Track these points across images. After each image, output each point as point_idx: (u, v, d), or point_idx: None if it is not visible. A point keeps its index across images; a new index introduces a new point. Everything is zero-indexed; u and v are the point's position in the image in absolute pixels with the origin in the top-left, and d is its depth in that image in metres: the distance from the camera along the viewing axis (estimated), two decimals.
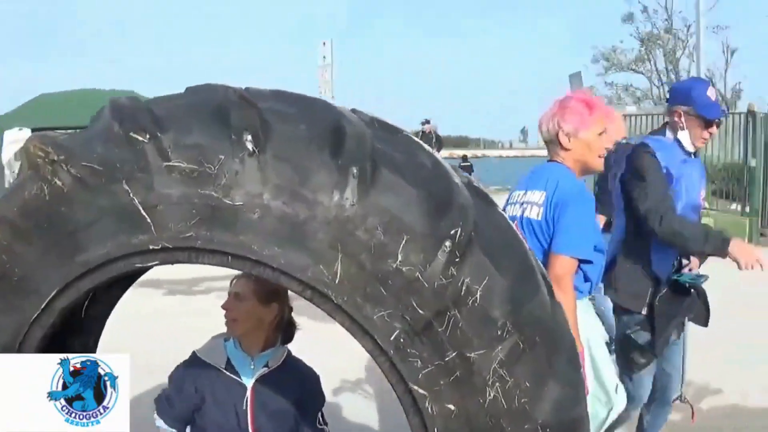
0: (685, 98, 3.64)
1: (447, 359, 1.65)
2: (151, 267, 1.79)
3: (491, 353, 1.65)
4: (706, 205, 11.09)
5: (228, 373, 2.69)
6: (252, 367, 2.70)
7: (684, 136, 3.62)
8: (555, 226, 2.92)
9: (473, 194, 1.77)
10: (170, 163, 1.67)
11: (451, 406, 1.68)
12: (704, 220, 11.79)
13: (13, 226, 1.82)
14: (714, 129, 3.66)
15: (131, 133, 1.70)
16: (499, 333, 1.65)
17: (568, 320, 1.94)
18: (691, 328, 3.83)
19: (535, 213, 3.01)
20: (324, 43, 15.11)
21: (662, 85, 29.93)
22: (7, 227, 1.83)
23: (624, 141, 4.46)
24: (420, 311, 1.64)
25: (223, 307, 2.68)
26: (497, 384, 1.66)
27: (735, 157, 13.56)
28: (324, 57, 14.84)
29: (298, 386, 2.79)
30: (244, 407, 2.67)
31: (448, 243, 1.62)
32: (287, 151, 1.64)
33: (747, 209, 12.42)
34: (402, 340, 1.66)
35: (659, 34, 29.96)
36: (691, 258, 3.68)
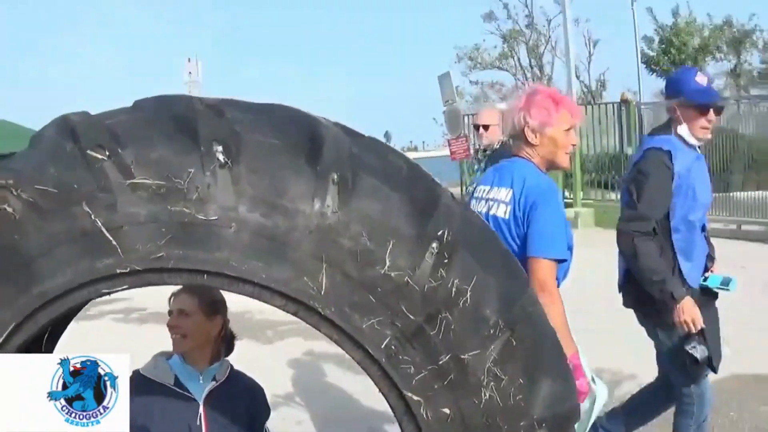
0: (675, 90, 3.56)
1: (441, 362, 1.63)
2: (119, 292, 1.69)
3: (485, 353, 1.63)
4: None
5: (178, 390, 2.63)
6: (201, 381, 2.66)
7: (683, 129, 3.52)
8: (528, 228, 2.87)
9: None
10: (134, 181, 1.58)
11: (447, 410, 1.65)
12: (582, 212, 12.13)
13: None
14: (712, 115, 3.52)
15: (88, 151, 1.60)
16: (491, 332, 1.63)
17: (559, 323, 1.94)
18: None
19: (502, 211, 2.96)
20: (189, 59, 14.99)
21: (527, 80, 30.84)
22: None
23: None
24: (411, 316, 1.61)
25: (169, 324, 2.62)
26: (492, 383, 1.65)
27: (609, 146, 14.12)
28: (189, 73, 14.70)
29: (246, 398, 2.76)
30: (198, 423, 2.62)
31: (435, 244, 1.60)
32: (262, 161, 1.58)
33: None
34: (393, 347, 1.62)
35: (521, 30, 30.83)
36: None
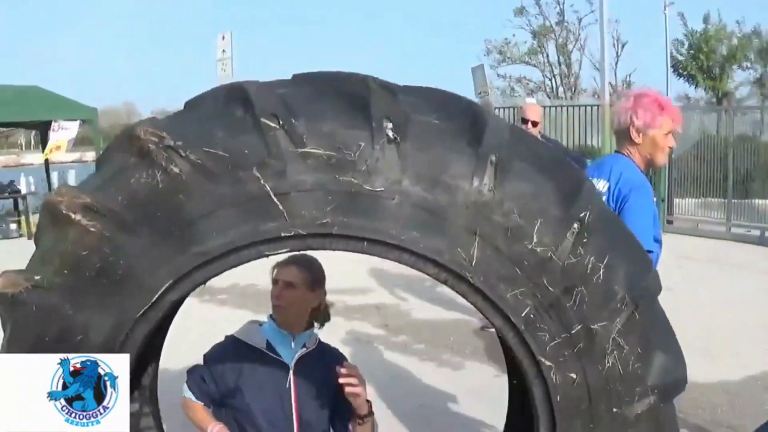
0: None
1: (573, 332, 1.81)
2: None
3: (611, 324, 1.81)
4: None
5: (270, 354, 2.77)
6: (293, 347, 2.79)
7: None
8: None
9: None
10: (306, 150, 1.72)
11: (574, 375, 1.84)
12: None
13: (117, 217, 1.80)
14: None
15: (262, 119, 1.72)
16: (618, 306, 1.82)
17: None
18: None
19: None
20: (223, 37, 14.87)
21: (554, 77, 31.28)
22: (110, 219, 1.80)
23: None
24: (550, 288, 1.78)
25: (274, 294, 2.75)
26: (615, 352, 1.83)
27: None
28: (223, 50, 14.61)
29: (333, 366, 2.88)
30: (287, 386, 2.75)
31: (576, 225, 1.77)
32: (427, 140, 1.72)
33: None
34: (532, 316, 1.79)
35: (551, 26, 31.16)
36: None
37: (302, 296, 2.72)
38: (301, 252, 2.35)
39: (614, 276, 1.81)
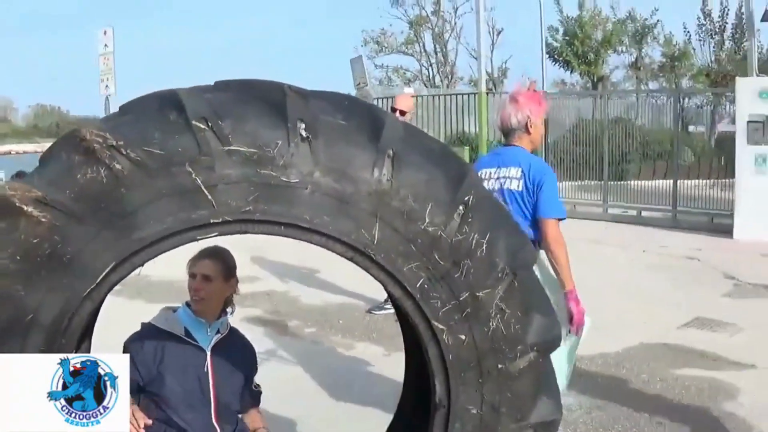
0: None
1: (461, 299, 2.17)
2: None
3: (494, 291, 2.18)
4: None
5: (188, 340, 3.04)
6: (208, 333, 3.06)
7: None
8: (538, 197, 3.79)
9: None
10: (231, 148, 2.04)
11: (463, 336, 2.20)
12: None
13: (66, 209, 2.09)
14: None
15: (193, 121, 2.04)
16: (499, 275, 2.19)
17: (566, 264, 2.70)
18: None
19: (515, 185, 3.85)
20: (105, 32, 15.19)
21: (430, 66, 32.02)
22: (59, 211, 2.09)
23: None
24: (441, 262, 2.14)
25: (193, 287, 3.02)
26: (498, 315, 2.20)
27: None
28: (106, 45, 14.94)
29: (243, 351, 3.19)
30: (205, 370, 3.02)
31: (461, 207, 2.14)
32: (334, 138, 2.07)
33: None
34: (426, 286, 2.15)
35: (427, 16, 31.87)
36: None
37: (219, 287, 3.00)
38: (212, 245, 2.67)
39: (495, 250, 2.18)
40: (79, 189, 2.09)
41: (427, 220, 2.11)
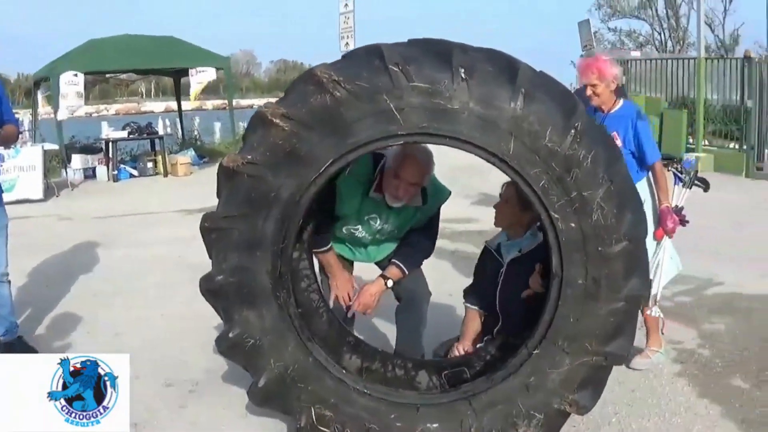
0: None
1: (572, 196, 3.30)
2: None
3: (596, 192, 3.29)
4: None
5: (495, 255, 4.43)
6: (508, 250, 4.41)
7: None
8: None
9: None
10: (414, 84, 3.28)
11: (573, 224, 3.33)
12: (703, 157, 13.84)
13: (301, 121, 3.40)
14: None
15: (390, 66, 3.29)
16: (600, 181, 3.29)
17: (665, 185, 4.34)
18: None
19: None
20: None
21: (663, 31, 32.07)
22: (297, 122, 3.41)
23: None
24: (557, 169, 3.28)
25: (495, 206, 4.40)
26: (598, 210, 3.30)
27: (732, 100, 15.60)
28: (346, 4, 16.34)
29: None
30: (498, 279, 4.38)
31: (573, 131, 3.26)
32: (485, 79, 3.26)
33: (744, 146, 14.50)
34: (546, 185, 3.30)
35: None
36: None
37: (512, 212, 4.35)
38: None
39: (597, 163, 3.29)
40: (311, 108, 3.38)
41: (547, 138, 3.25)
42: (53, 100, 15.87)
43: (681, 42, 31.97)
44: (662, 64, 17.67)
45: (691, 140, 15.42)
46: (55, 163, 16.92)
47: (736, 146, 15.07)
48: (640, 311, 4.29)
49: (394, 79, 3.26)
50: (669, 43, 32.18)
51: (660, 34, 32.82)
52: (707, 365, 5.27)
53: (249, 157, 3.47)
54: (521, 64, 3.30)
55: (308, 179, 3.45)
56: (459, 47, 3.28)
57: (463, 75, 3.22)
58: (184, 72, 16.94)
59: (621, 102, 5.07)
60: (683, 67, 16.31)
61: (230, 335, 3.60)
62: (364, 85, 3.29)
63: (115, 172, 16.26)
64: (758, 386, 4.83)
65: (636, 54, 17.38)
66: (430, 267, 4.81)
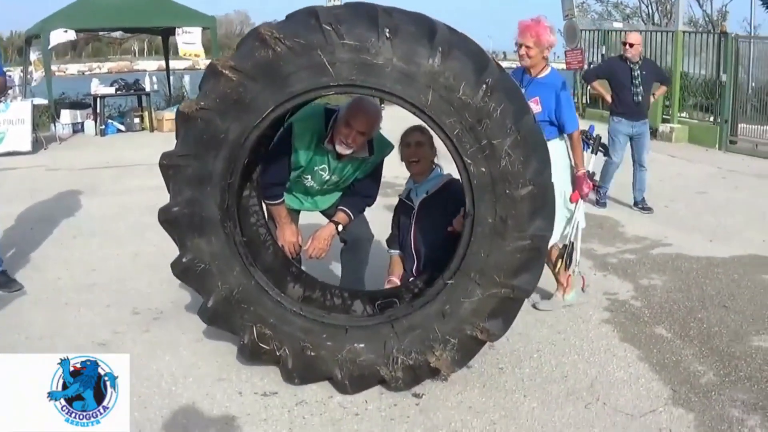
0: None
1: (482, 144, 3.76)
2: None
3: (504, 141, 3.75)
4: None
5: (407, 202, 4.96)
6: (416, 194, 4.93)
7: None
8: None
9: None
10: (344, 41, 3.73)
11: (483, 169, 3.80)
12: (677, 128, 14.27)
13: (247, 73, 3.86)
14: None
15: (323, 25, 3.74)
16: (508, 131, 3.76)
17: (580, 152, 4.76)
18: None
19: None
20: None
21: (650, 4, 32.40)
22: (242, 74, 3.87)
23: None
24: (469, 119, 3.75)
25: (408, 154, 4.85)
26: (506, 157, 3.76)
27: (708, 73, 16.04)
28: None
29: (449, 204, 4.77)
30: (410, 221, 4.90)
31: (484, 86, 3.72)
32: (407, 38, 3.71)
33: (719, 119, 14.94)
34: (459, 133, 3.77)
35: None
36: None
37: (428, 152, 4.84)
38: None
39: (506, 115, 3.75)
40: (255, 62, 3.84)
41: (461, 92, 3.71)
42: (44, 58, 16.25)
43: (669, 15, 32.23)
44: (645, 36, 18.02)
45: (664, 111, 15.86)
46: (44, 117, 17.29)
47: (709, 118, 15.50)
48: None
49: (327, 36, 3.72)
50: (656, 16, 32.44)
51: (648, 6, 33.11)
52: (636, 315, 5.70)
53: (202, 103, 3.95)
54: (440, 26, 3.76)
55: (252, 124, 3.93)
56: (385, 10, 3.73)
57: (387, 34, 3.68)
58: (172, 31, 17.28)
59: (549, 69, 5.48)
60: (664, 39, 16.68)
61: (183, 260, 4.10)
62: (302, 42, 3.75)
63: (103, 126, 16.66)
64: (681, 337, 5.23)
65: (618, 25, 17.75)
66: (374, 219, 5.34)
